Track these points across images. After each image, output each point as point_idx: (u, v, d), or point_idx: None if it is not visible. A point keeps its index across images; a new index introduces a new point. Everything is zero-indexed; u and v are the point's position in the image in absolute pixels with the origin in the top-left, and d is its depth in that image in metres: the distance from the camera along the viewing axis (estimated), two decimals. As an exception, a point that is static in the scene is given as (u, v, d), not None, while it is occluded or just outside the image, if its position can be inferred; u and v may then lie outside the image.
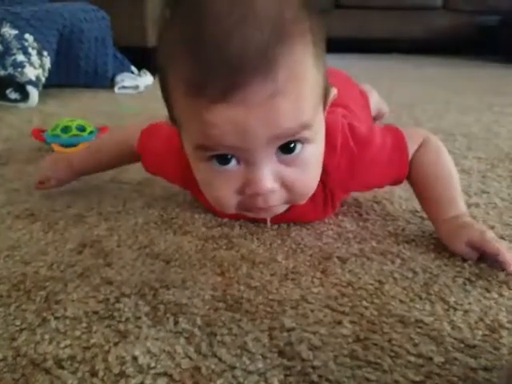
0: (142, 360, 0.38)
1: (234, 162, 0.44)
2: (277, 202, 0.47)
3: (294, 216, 0.61)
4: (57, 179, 0.72)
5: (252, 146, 0.42)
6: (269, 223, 0.62)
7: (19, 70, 1.46)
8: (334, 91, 0.50)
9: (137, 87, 1.83)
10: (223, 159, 0.44)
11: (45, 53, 1.56)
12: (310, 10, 0.42)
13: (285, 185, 0.46)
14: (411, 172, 0.60)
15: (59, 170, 0.73)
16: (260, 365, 0.37)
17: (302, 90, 0.41)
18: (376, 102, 1.14)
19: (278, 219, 0.61)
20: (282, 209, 0.50)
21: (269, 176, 0.44)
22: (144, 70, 2.04)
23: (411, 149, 0.58)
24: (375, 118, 1.13)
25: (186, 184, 0.64)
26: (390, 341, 0.40)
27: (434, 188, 0.59)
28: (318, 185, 0.56)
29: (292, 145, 0.44)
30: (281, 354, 0.39)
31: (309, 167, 0.47)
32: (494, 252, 0.51)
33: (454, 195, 0.58)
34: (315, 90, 0.44)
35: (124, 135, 0.73)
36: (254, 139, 0.41)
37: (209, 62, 0.38)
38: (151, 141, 0.66)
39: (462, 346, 0.40)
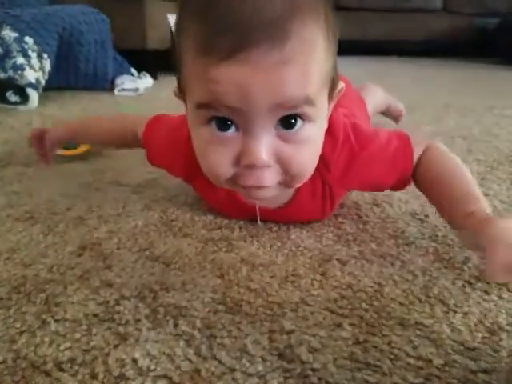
0: (142, 362, 0.38)
1: (233, 128, 0.44)
2: (270, 181, 0.46)
3: (292, 212, 0.61)
4: (52, 134, 0.81)
5: (253, 110, 0.42)
6: (259, 222, 0.62)
7: (19, 72, 1.47)
8: (341, 84, 0.51)
9: (137, 89, 1.84)
10: (223, 124, 0.44)
11: (45, 55, 1.56)
12: (326, 1, 0.44)
13: (281, 162, 0.45)
14: (420, 176, 0.58)
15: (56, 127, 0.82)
16: (260, 367, 0.37)
17: (309, 65, 0.42)
18: (381, 97, 1.14)
19: (276, 217, 0.62)
20: (273, 192, 0.49)
21: (265, 148, 0.44)
22: (144, 73, 2.04)
23: (416, 152, 0.58)
24: (384, 113, 1.16)
25: (189, 177, 0.64)
26: (389, 343, 0.40)
27: (447, 187, 0.56)
28: (318, 181, 0.57)
29: (293, 120, 0.44)
30: (280, 356, 0.39)
31: (307, 146, 0.46)
32: None
33: (470, 191, 0.54)
34: (322, 71, 0.44)
35: (127, 122, 0.75)
36: (256, 103, 0.41)
37: (219, 24, 0.40)
38: (157, 133, 0.67)
39: (462, 348, 0.40)
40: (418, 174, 0.58)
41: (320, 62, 0.43)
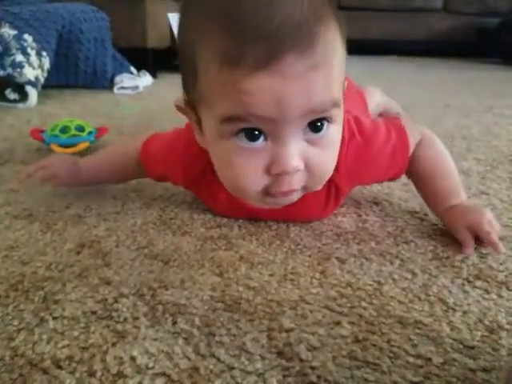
0: (140, 360, 0.38)
1: (261, 138, 0.44)
2: (298, 185, 0.47)
3: (294, 211, 0.60)
4: (62, 179, 0.70)
5: (286, 118, 0.42)
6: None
7: (18, 70, 1.46)
8: (345, 82, 0.52)
9: (136, 88, 1.83)
10: (251, 134, 0.44)
11: (44, 53, 1.56)
12: (332, 4, 0.45)
13: (308, 166, 0.46)
14: (411, 168, 0.61)
15: (66, 170, 0.70)
16: (259, 365, 0.37)
17: (334, 68, 0.43)
18: (379, 101, 1.14)
19: (278, 215, 0.61)
20: (298, 196, 0.50)
21: (296, 154, 0.44)
22: (143, 71, 2.04)
23: (411, 144, 0.60)
24: (381, 115, 1.15)
25: (189, 184, 0.64)
26: (388, 341, 0.40)
27: (433, 183, 0.62)
28: None
29: (319, 123, 0.44)
30: (279, 354, 0.39)
31: (330, 149, 0.47)
32: (485, 236, 0.55)
33: (453, 187, 0.61)
34: (341, 72, 0.45)
35: (126, 147, 0.72)
36: (290, 111, 0.41)
37: (248, 32, 0.39)
38: (153, 147, 0.66)
39: (461, 346, 0.40)
40: (411, 164, 0.61)
41: (340, 65, 0.44)
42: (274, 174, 0.45)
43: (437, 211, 0.62)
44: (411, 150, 0.60)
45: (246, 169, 0.46)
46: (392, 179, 0.64)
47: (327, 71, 0.41)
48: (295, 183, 0.46)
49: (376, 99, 1.13)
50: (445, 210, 0.60)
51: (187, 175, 0.62)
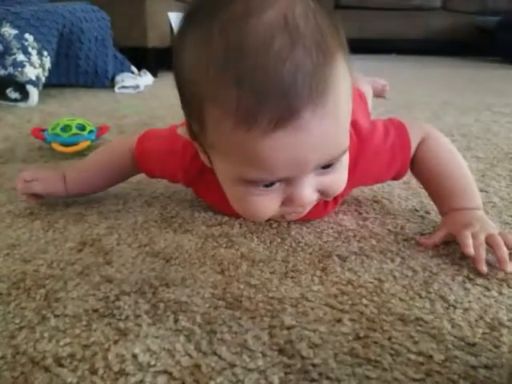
0: (142, 358, 0.38)
1: (277, 184, 0.45)
2: (312, 205, 0.51)
3: None
4: (46, 192, 0.67)
5: (303, 173, 0.42)
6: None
7: (19, 69, 1.46)
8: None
9: (137, 87, 1.83)
10: (269, 184, 0.45)
11: (45, 52, 1.56)
12: (335, 19, 0.41)
13: (322, 191, 0.47)
14: (414, 168, 0.60)
15: (52, 185, 0.67)
16: (260, 362, 0.37)
17: (343, 110, 0.41)
18: (364, 82, 1.28)
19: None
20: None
21: (310, 190, 0.45)
22: (144, 70, 2.05)
23: (414, 141, 0.59)
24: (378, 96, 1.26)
25: (189, 182, 0.64)
26: (389, 339, 0.40)
27: (437, 183, 0.60)
28: None
29: (330, 163, 0.45)
30: (281, 351, 0.39)
31: (342, 172, 0.48)
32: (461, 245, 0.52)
33: (455, 188, 0.59)
34: (349, 107, 0.43)
35: (117, 146, 0.70)
36: (307, 166, 0.42)
37: (260, 91, 0.36)
38: (149, 144, 0.64)
39: (463, 343, 0.40)
40: (415, 163, 0.60)
41: (348, 101, 0.43)
42: (290, 207, 0.48)
43: (440, 211, 0.61)
44: (413, 147, 0.58)
45: (262, 206, 0.47)
46: (395, 178, 0.62)
47: (338, 117, 0.40)
48: (308, 208, 0.50)
49: (370, 95, 1.21)
50: (445, 212, 0.59)
51: (187, 175, 0.61)
